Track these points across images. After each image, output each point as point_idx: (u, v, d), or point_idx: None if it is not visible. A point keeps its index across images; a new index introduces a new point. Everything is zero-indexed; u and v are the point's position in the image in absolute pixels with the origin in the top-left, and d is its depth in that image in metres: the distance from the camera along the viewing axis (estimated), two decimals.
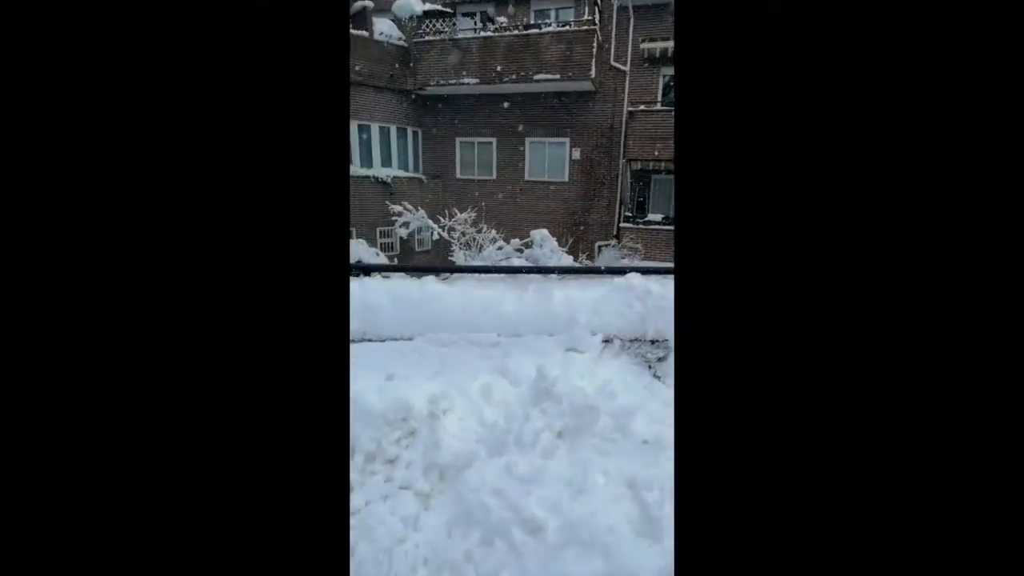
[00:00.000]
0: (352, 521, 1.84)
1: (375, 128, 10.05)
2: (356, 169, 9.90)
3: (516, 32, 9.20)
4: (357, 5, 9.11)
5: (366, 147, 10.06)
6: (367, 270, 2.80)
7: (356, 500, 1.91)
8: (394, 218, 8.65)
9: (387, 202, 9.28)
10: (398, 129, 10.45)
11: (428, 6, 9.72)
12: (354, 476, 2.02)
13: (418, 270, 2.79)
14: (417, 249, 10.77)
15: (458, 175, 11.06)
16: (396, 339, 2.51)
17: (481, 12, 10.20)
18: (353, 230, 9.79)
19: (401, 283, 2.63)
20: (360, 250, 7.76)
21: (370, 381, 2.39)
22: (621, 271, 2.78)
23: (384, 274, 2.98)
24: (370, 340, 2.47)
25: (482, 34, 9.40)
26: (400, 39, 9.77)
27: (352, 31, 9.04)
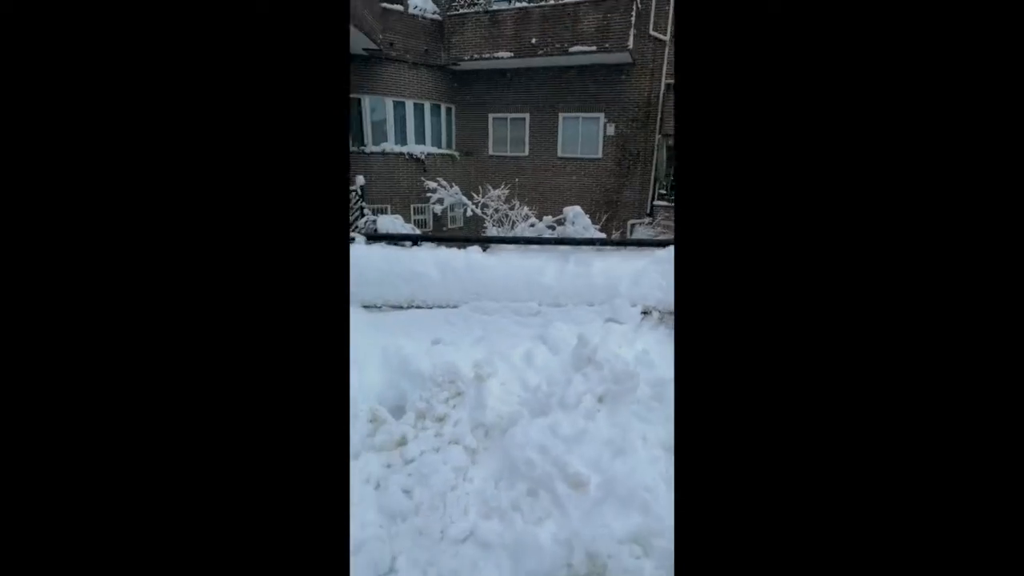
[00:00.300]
0: (408, 468, 1.99)
1: (409, 105, 10.11)
2: (391, 146, 10.03)
3: (552, 2, 8.98)
4: None
5: (400, 124, 10.15)
6: (416, 239, 2.91)
7: (411, 450, 2.06)
8: (428, 194, 8.76)
9: (422, 178, 9.39)
10: (432, 105, 10.47)
11: None
12: (407, 430, 2.17)
13: (446, 239, 2.90)
14: (449, 225, 10.89)
15: (491, 152, 11.05)
16: (443, 306, 2.63)
17: None
18: (388, 206, 9.98)
19: (448, 253, 2.74)
20: (398, 224, 7.93)
21: (419, 345, 2.52)
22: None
23: (416, 243, 3.08)
24: (418, 307, 2.60)
25: (517, 5, 9.23)
26: (435, 13, 9.70)
27: (387, 5, 9.03)
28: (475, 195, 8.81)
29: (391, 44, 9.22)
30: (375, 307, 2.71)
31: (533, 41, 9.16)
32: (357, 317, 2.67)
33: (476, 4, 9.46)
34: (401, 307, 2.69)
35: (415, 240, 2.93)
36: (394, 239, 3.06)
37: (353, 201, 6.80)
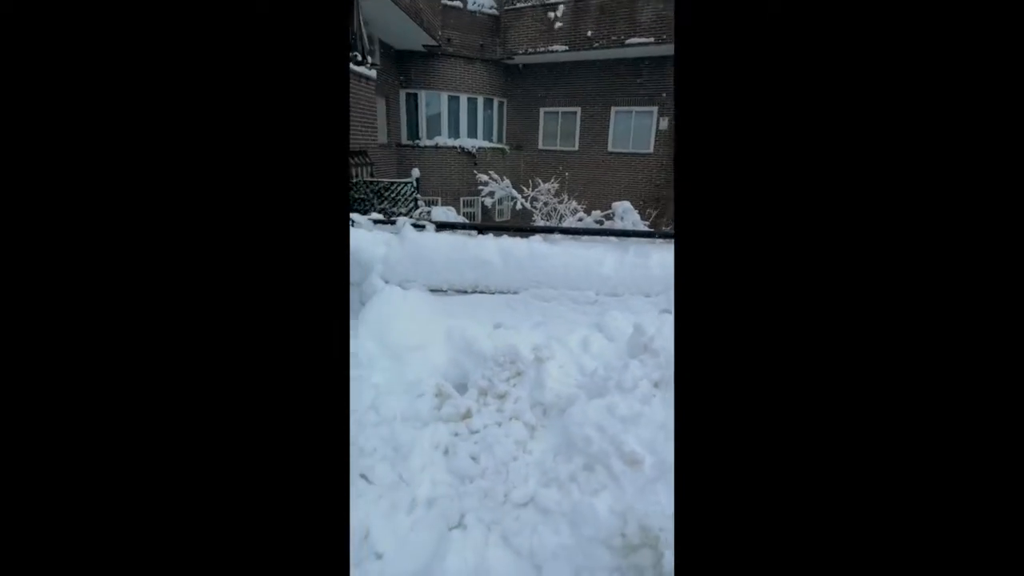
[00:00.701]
0: (474, 438, 2.16)
1: (463, 99, 10.34)
2: (444, 140, 10.31)
3: None
4: None
5: (454, 118, 10.41)
6: (482, 229, 3.08)
7: (476, 423, 2.23)
8: (479, 187, 8.97)
9: (474, 171, 9.62)
10: (485, 99, 10.66)
11: None
12: (471, 404, 2.34)
13: (508, 229, 3.02)
14: (497, 218, 11.09)
15: (540, 145, 11.12)
16: (504, 292, 2.78)
17: None
18: (439, 198, 10.30)
19: (510, 241, 2.88)
20: (451, 216, 8.22)
21: (482, 328, 2.69)
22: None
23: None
24: (481, 292, 2.76)
25: None
26: (491, 8, 9.85)
27: (447, 2, 9.27)
28: (524, 188, 8.94)
29: (449, 40, 9.46)
30: (441, 291, 2.90)
31: (589, 34, 9.14)
32: (424, 299, 2.87)
33: None
34: (465, 291, 2.87)
35: (480, 229, 3.10)
36: (460, 227, 3.24)
37: (409, 192, 7.10)
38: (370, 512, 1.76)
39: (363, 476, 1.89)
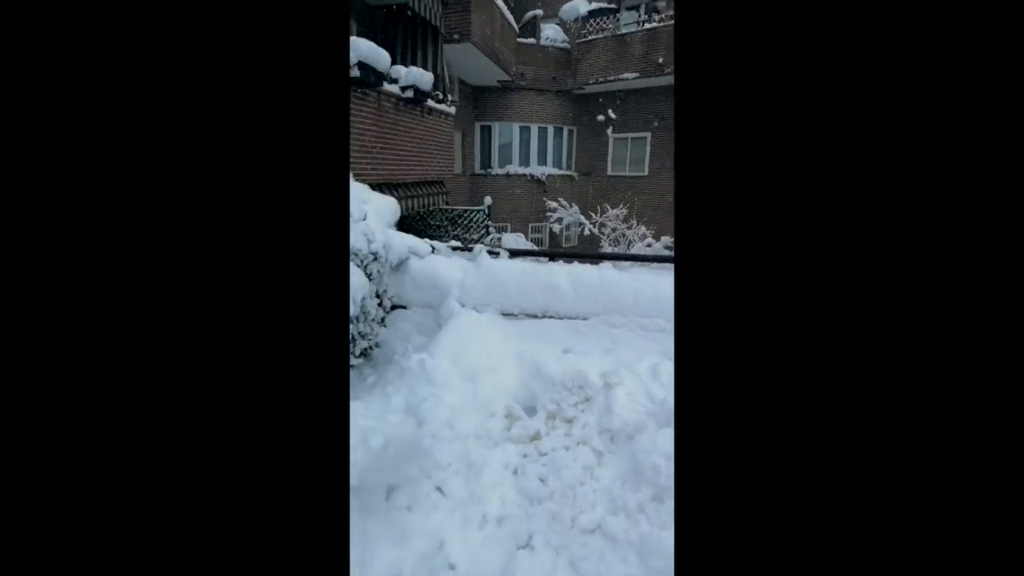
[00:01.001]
0: (542, 460, 2.22)
1: (534, 128, 10.71)
2: (514, 168, 10.69)
3: None
4: (528, 15, 9.80)
5: (524, 147, 10.79)
6: (553, 256, 3.19)
7: (544, 445, 2.29)
8: (548, 214, 9.16)
9: (543, 198, 9.84)
10: (555, 128, 10.96)
11: (594, 5, 9.99)
12: (540, 427, 2.41)
13: (579, 256, 3.09)
14: (564, 244, 11.19)
15: (609, 172, 11.16)
16: (573, 318, 2.84)
17: (646, 3, 10.10)
18: (508, 225, 10.62)
19: (580, 268, 2.96)
20: (521, 242, 8.46)
21: (551, 352, 2.76)
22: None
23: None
24: (551, 317, 2.85)
25: (646, 26, 9.34)
26: (563, 42, 10.23)
27: (521, 40, 9.76)
28: (592, 214, 8.98)
29: (522, 75, 9.91)
30: (512, 315, 3.03)
31: (660, 60, 9.17)
32: (496, 323, 3.01)
33: (605, 30, 9.77)
34: (536, 316, 2.97)
35: (551, 256, 3.21)
36: (532, 254, 3.38)
37: (481, 219, 7.44)
38: (444, 524, 1.87)
39: (438, 488, 2.01)
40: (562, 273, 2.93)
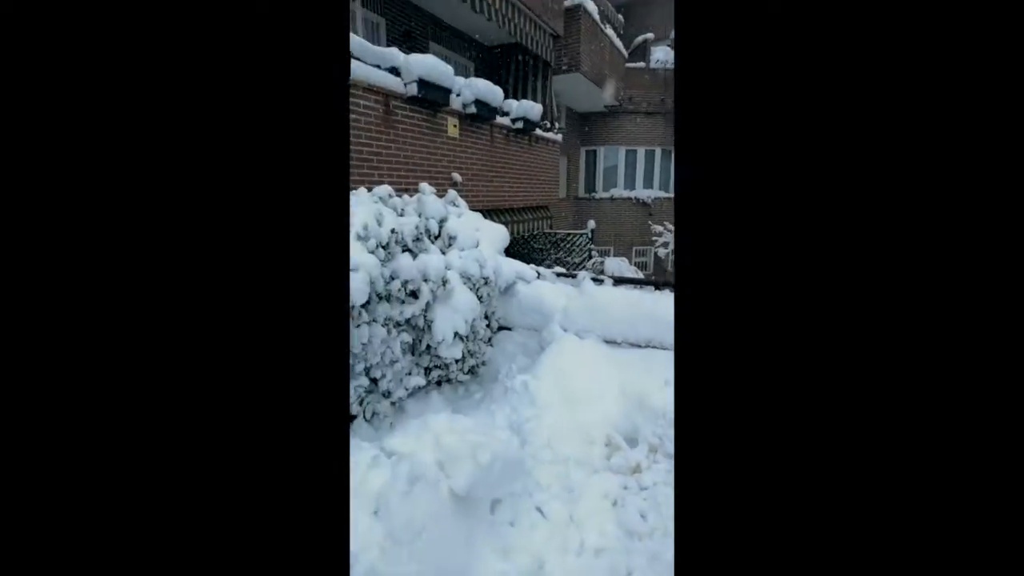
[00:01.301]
0: (643, 494, 2.17)
1: (641, 151, 10.57)
2: (619, 191, 10.61)
3: None
4: (639, 39, 9.82)
5: (630, 169, 10.68)
6: (659, 285, 3.14)
7: (645, 479, 2.24)
8: (654, 238, 8.91)
9: (648, 222, 9.62)
10: (663, 151, 10.71)
11: None
12: (641, 459, 2.36)
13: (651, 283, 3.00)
14: (668, 269, 10.76)
15: None
16: None
17: None
18: (611, 248, 10.51)
19: None
20: (624, 267, 8.33)
21: (654, 382, 2.70)
22: None
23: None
24: (655, 347, 2.78)
25: None
26: (672, 64, 10.05)
27: (630, 65, 9.79)
28: None
29: (630, 99, 9.90)
30: (615, 343, 3.02)
31: None
32: (598, 350, 3.02)
33: None
34: (639, 346, 2.92)
35: (658, 285, 3.15)
36: (638, 282, 3.35)
37: (583, 243, 7.51)
38: (544, 546, 1.92)
39: (538, 509, 2.07)
40: (668, 304, 2.86)
